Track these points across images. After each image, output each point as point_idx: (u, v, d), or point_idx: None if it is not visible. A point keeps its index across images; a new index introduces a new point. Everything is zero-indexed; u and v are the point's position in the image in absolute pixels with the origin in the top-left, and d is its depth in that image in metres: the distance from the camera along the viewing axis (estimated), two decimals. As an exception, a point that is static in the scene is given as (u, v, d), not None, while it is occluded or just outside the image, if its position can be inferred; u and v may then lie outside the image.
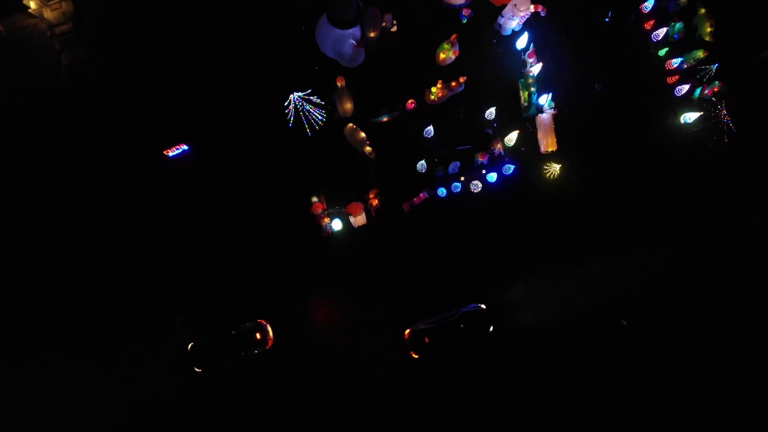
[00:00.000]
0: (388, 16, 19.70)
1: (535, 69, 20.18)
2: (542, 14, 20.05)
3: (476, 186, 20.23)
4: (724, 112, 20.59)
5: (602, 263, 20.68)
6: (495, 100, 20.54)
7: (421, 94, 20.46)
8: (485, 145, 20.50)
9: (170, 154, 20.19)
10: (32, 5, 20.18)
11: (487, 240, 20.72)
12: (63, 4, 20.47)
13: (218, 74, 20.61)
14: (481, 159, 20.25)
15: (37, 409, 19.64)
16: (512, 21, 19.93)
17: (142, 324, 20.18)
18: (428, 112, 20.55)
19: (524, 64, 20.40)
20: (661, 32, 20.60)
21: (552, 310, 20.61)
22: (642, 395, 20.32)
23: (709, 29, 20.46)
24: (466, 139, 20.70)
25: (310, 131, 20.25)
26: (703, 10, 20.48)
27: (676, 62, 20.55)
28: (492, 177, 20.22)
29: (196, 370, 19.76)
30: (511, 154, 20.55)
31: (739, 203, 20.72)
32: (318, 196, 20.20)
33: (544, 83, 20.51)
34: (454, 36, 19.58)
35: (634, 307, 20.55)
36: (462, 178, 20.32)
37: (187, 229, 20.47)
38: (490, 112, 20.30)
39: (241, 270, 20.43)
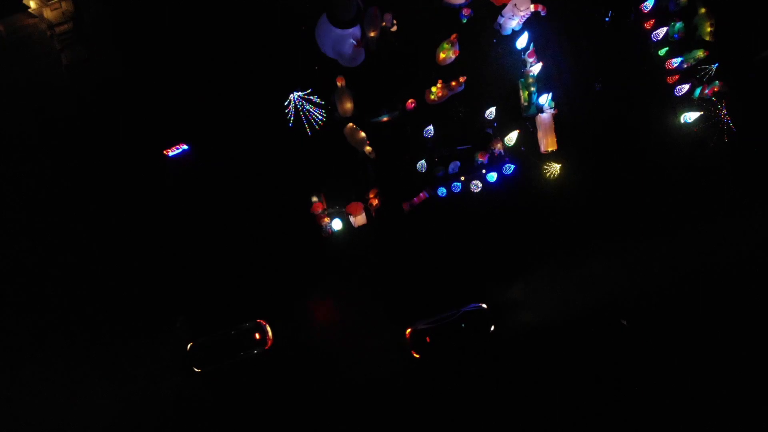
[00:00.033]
0: (388, 16, 19.70)
1: (535, 69, 20.18)
2: (542, 14, 20.04)
3: (476, 186, 20.23)
4: (724, 111, 20.59)
5: (602, 263, 20.68)
6: (495, 99, 20.54)
7: (421, 94, 20.46)
8: (485, 145, 20.50)
9: (170, 154, 20.18)
10: (32, 5, 20.17)
11: (487, 240, 20.71)
12: (63, 3, 20.47)
13: (218, 74, 20.60)
14: (481, 159, 20.25)
15: (37, 409, 19.65)
16: (512, 21, 19.93)
17: (142, 324, 20.18)
18: (428, 111, 20.54)
19: (524, 63, 20.40)
20: (661, 32, 20.60)
21: (552, 309, 20.62)
22: (642, 395, 20.31)
23: (709, 29, 20.46)
24: (466, 138, 20.69)
25: (310, 131, 20.24)
26: (703, 10, 20.48)
27: (676, 62, 20.54)
28: (492, 177, 20.22)
29: (196, 370, 19.75)
30: (511, 153, 20.55)
31: (739, 203, 20.72)
32: (318, 196, 20.20)
33: (544, 83, 20.51)
34: (454, 36, 19.58)
35: (634, 307, 20.55)
36: (462, 178, 20.31)
37: (187, 229, 20.46)
38: (490, 112, 20.30)
39: (240, 270, 20.42)
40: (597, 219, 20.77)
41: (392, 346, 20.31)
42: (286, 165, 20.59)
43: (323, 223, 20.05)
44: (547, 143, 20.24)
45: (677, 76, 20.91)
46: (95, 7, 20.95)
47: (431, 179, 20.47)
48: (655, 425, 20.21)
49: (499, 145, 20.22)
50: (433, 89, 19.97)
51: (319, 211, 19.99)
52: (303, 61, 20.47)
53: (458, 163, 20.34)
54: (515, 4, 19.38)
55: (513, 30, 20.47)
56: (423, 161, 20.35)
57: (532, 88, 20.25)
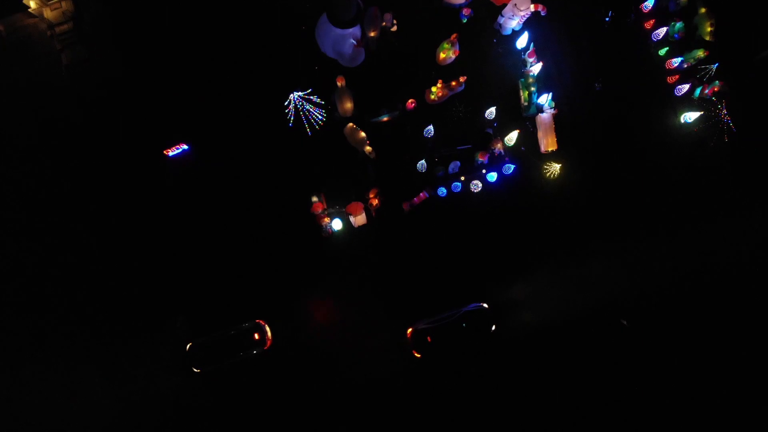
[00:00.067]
0: (388, 16, 19.70)
1: (535, 68, 20.18)
2: (542, 14, 20.05)
3: (476, 186, 20.23)
4: (724, 111, 20.59)
5: (602, 263, 20.67)
6: (495, 99, 20.54)
7: (421, 94, 20.45)
8: (485, 145, 20.50)
9: (170, 154, 20.18)
10: (32, 5, 20.17)
11: (487, 240, 20.71)
12: (63, 3, 20.47)
13: (218, 74, 20.60)
14: (481, 159, 20.25)
15: (37, 409, 19.64)
16: (512, 20, 19.93)
17: (142, 324, 20.17)
18: (428, 111, 20.54)
19: (524, 63, 20.40)
20: (662, 32, 20.60)
21: (552, 309, 20.61)
22: (642, 395, 20.31)
23: (709, 29, 20.46)
24: (466, 138, 20.69)
25: (310, 131, 20.24)
26: (703, 10, 20.49)
27: (676, 62, 20.54)
28: (492, 177, 20.22)
29: (195, 370, 19.74)
30: (511, 153, 20.55)
31: (739, 203, 20.71)
32: (318, 196, 20.19)
33: (544, 83, 20.51)
34: (454, 35, 19.58)
35: (634, 307, 20.54)
36: (462, 178, 20.32)
37: (186, 229, 20.46)
38: (490, 112, 20.30)
39: (240, 270, 20.41)
40: (597, 219, 20.76)
41: (392, 346, 20.30)
42: (286, 165, 20.58)
43: (323, 223, 20.05)
44: (547, 143, 20.24)
45: (677, 76, 20.91)
46: (95, 7, 20.95)
47: (431, 179, 20.47)
48: (655, 425, 20.20)
49: (499, 145, 20.22)
50: (433, 89, 19.97)
51: (319, 211, 19.99)
52: (303, 61, 20.47)
53: (458, 163, 20.34)
54: (515, 4, 19.38)
55: (513, 30, 20.47)
56: (423, 161, 20.35)
57: (532, 88, 20.26)
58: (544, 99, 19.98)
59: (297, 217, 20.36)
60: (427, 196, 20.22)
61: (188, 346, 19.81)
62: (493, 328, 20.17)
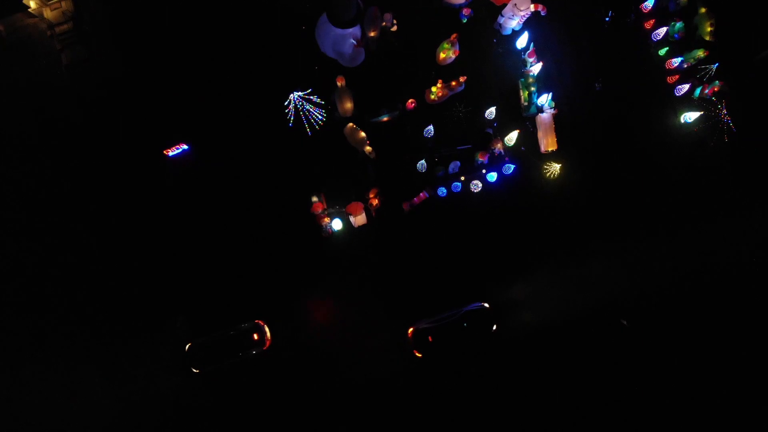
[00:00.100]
0: (388, 16, 19.70)
1: (535, 68, 20.18)
2: (542, 14, 20.05)
3: (476, 186, 20.23)
4: (725, 111, 20.59)
5: (602, 263, 20.67)
6: (495, 99, 20.54)
7: (421, 94, 20.45)
8: (485, 145, 20.50)
9: (170, 153, 20.17)
10: (32, 5, 20.16)
11: (487, 240, 20.71)
12: (63, 3, 20.46)
13: (218, 74, 20.60)
14: (482, 159, 20.26)
15: (37, 409, 19.64)
16: (512, 20, 19.93)
17: (142, 324, 20.17)
18: (428, 111, 20.54)
19: (524, 63, 20.40)
20: (662, 32, 20.60)
21: (552, 309, 20.61)
22: (642, 395, 20.31)
23: (709, 29, 20.46)
24: (466, 138, 20.69)
25: (310, 131, 20.24)
26: (703, 10, 20.49)
27: (676, 62, 20.54)
28: (492, 177, 20.22)
29: (194, 370, 19.73)
30: (511, 153, 20.55)
31: (739, 203, 20.71)
32: (318, 196, 20.19)
33: (544, 83, 20.51)
34: (454, 35, 19.58)
35: (634, 307, 20.54)
36: (462, 178, 20.31)
37: (186, 229, 20.45)
38: (490, 112, 20.30)
39: (240, 270, 20.41)
40: (597, 219, 20.76)
41: (392, 346, 20.31)
42: (286, 165, 20.58)
43: (323, 223, 20.05)
44: (547, 143, 20.24)
45: (677, 76, 20.91)
46: (95, 7, 20.94)
47: (431, 179, 20.46)
48: (655, 425, 20.20)
49: (499, 145, 20.22)
50: (433, 89, 19.97)
51: (319, 211, 19.99)
52: (303, 61, 20.47)
53: (458, 163, 20.34)
54: (515, 4, 19.38)
55: (513, 30, 20.47)
56: (423, 161, 20.35)
57: (532, 88, 20.26)
58: (544, 99, 19.98)
59: (297, 217, 20.35)
60: (427, 196, 20.21)
61: (188, 347, 19.79)
62: (494, 327, 20.16)
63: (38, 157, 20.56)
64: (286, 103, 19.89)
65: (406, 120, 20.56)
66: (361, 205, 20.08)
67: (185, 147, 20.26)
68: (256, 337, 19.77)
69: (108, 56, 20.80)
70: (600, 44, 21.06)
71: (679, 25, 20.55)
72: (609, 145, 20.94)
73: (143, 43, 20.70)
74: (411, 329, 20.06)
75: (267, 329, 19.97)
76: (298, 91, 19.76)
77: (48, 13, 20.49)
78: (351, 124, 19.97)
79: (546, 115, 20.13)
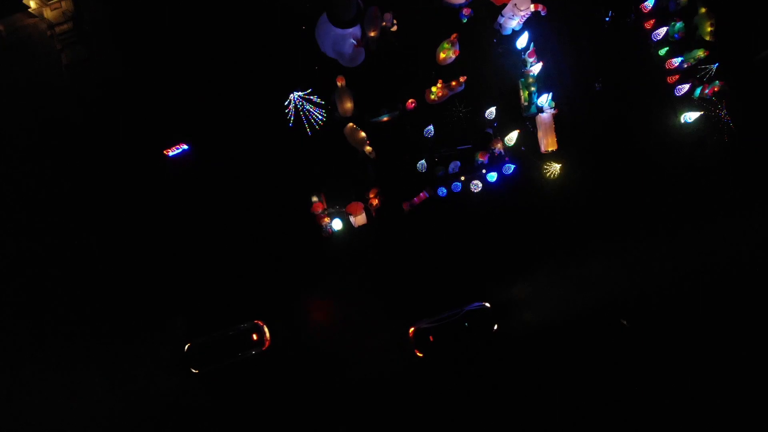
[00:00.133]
0: (388, 16, 19.70)
1: (535, 68, 20.18)
2: (542, 14, 20.04)
3: (476, 186, 20.23)
4: (725, 111, 20.59)
5: (602, 263, 20.67)
6: (495, 99, 20.54)
7: (421, 94, 20.45)
8: (485, 145, 20.50)
9: (170, 154, 20.17)
10: (32, 5, 20.16)
11: (487, 240, 20.71)
12: (63, 3, 20.46)
13: (218, 74, 20.60)
14: (482, 158, 20.26)
15: (37, 409, 19.64)
16: (512, 20, 19.93)
17: (142, 324, 20.16)
18: (428, 111, 20.54)
19: (524, 63, 20.40)
20: (662, 32, 20.60)
21: (552, 309, 20.61)
22: (642, 395, 20.31)
23: (709, 29, 20.46)
24: (466, 138, 20.69)
25: (310, 131, 20.24)
26: (703, 10, 20.49)
27: (676, 62, 20.54)
28: (492, 176, 20.22)
29: (193, 371, 19.72)
30: (512, 153, 20.55)
31: (739, 203, 20.71)
32: (318, 196, 20.19)
33: (544, 83, 20.51)
34: (454, 35, 19.58)
35: (634, 307, 20.54)
36: (462, 178, 20.31)
37: (186, 229, 20.45)
38: (490, 112, 20.30)
39: (240, 270, 20.41)
40: (597, 219, 20.76)
41: (392, 346, 20.30)
42: (286, 165, 20.58)
43: (323, 223, 20.04)
44: (547, 143, 20.24)
45: (677, 76, 20.91)
46: (95, 7, 20.94)
47: (431, 179, 20.46)
48: (655, 425, 20.20)
49: (499, 144, 20.22)
50: (433, 89, 19.97)
51: (319, 211, 19.99)
52: (303, 61, 20.47)
53: (458, 163, 20.34)
54: (515, 4, 19.38)
55: (513, 30, 20.47)
56: (423, 161, 20.35)
57: (532, 88, 20.26)
58: (544, 99, 19.97)
59: (297, 217, 20.35)
60: (427, 196, 20.21)
61: (187, 347, 19.78)
62: (495, 327, 20.15)
63: (38, 157, 20.55)
64: (286, 103, 19.89)
65: (406, 120, 20.56)
66: (361, 205, 20.08)
67: (185, 147, 20.26)
68: (255, 337, 19.76)
69: (108, 56, 20.80)
70: (600, 44, 21.06)
71: (679, 25, 20.55)
72: (609, 145, 20.93)
73: (143, 43, 20.70)
74: (412, 329, 20.05)
75: (266, 329, 19.96)
76: (298, 91, 19.76)
77: (48, 13, 20.49)
78: (351, 124, 19.97)
79: (546, 115, 20.13)
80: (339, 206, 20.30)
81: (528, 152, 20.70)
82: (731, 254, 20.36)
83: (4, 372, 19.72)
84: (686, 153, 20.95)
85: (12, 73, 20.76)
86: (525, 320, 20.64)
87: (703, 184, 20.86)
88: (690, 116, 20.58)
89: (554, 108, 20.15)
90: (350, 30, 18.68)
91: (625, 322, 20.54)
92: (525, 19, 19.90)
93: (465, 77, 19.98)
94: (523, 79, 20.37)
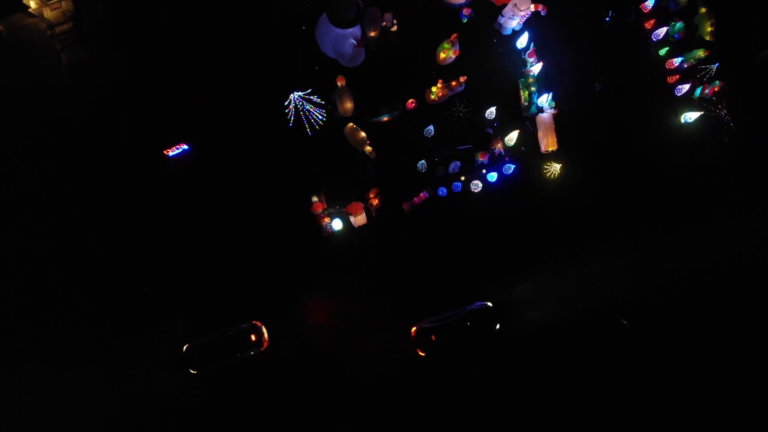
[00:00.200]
0: (388, 16, 19.70)
1: (536, 68, 20.17)
2: (542, 14, 20.04)
3: (476, 185, 20.23)
4: (725, 111, 20.59)
5: (602, 263, 20.67)
6: (495, 99, 20.54)
7: (421, 94, 20.45)
8: (485, 145, 20.51)
9: (170, 153, 20.17)
10: (32, 5, 20.16)
11: (487, 240, 20.70)
12: (63, 3, 20.46)
13: (218, 74, 20.59)
14: (482, 158, 20.26)
15: (37, 409, 19.64)
16: (512, 20, 19.93)
17: (142, 324, 20.16)
18: (428, 111, 20.54)
19: (524, 63, 20.40)
20: (662, 31, 20.59)
21: (552, 309, 20.61)
22: (642, 395, 20.31)
23: (709, 28, 20.46)
24: (466, 138, 20.69)
25: (310, 131, 20.24)
26: (703, 10, 20.49)
27: (676, 62, 20.53)
28: (492, 176, 20.22)
29: (192, 371, 19.71)
30: (512, 153, 20.55)
31: (739, 203, 20.71)
32: (318, 196, 20.19)
33: (544, 83, 20.51)
34: (454, 35, 19.58)
35: (634, 307, 20.54)
36: (462, 178, 20.32)
37: (186, 229, 20.44)
38: (491, 112, 20.29)
39: (241, 270, 20.40)
40: (597, 219, 20.76)
41: (392, 346, 20.30)
42: (286, 165, 20.57)
43: (323, 223, 20.04)
44: (548, 143, 20.24)
45: (678, 76, 20.91)
46: (95, 7, 20.94)
47: (431, 179, 20.46)
48: (655, 425, 20.20)
49: (499, 144, 20.22)
50: (434, 89, 19.97)
51: (319, 211, 19.99)
52: (303, 61, 20.46)
53: (458, 163, 20.34)
54: (515, 4, 19.38)
55: (513, 30, 20.47)
56: (423, 161, 20.35)
57: (533, 88, 20.26)
58: (544, 99, 19.97)
59: (297, 217, 20.34)
60: (427, 196, 20.21)
61: (185, 348, 19.76)
62: (498, 327, 20.14)
63: (38, 157, 20.55)
64: (286, 103, 19.88)
65: (406, 120, 20.56)
66: (361, 205, 20.08)
67: (185, 147, 20.25)
68: (253, 338, 19.75)
69: (108, 56, 20.79)
70: (600, 44, 21.06)
71: (679, 25, 20.55)
72: (609, 144, 20.93)
73: (143, 43, 20.70)
74: (414, 328, 20.04)
75: (264, 330, 19.95)
76: (298, 91, 19.75)
77: (48, 13, 20.49)
78: (351, 124, 19.96)
79: (546, 115, 20.13)
80: (339, 206, 20.30)
81: (528, 152, 20.69)
82: (731, 254, 20.36)
83: (4, 372, 19.72)
84: (686, 153, 20.94)
85: (12, 73, 20.75)
86: (525, 320, 20.64)
87: (703, 184, 20.86)
88: (690, 116, 20.58)
89: (554, 108, 20.14)
90: (350, 30, 18.69)
91: (625, 322, 20.54)
92: (525, 19, 19.90)
93: (465, 77, 19.98)
94: (523, 79, 20.37)
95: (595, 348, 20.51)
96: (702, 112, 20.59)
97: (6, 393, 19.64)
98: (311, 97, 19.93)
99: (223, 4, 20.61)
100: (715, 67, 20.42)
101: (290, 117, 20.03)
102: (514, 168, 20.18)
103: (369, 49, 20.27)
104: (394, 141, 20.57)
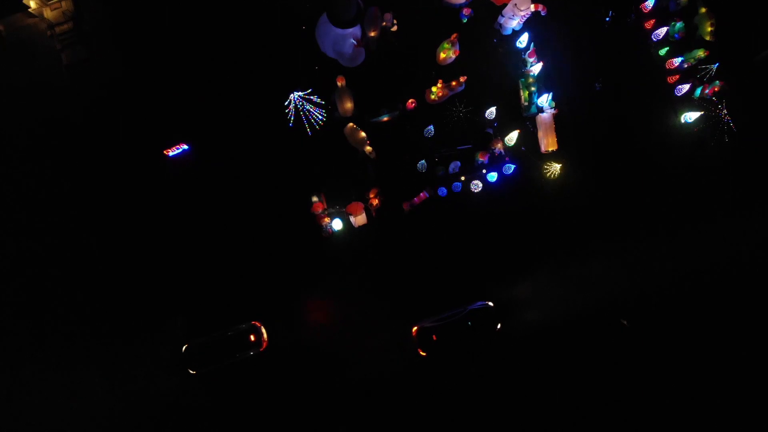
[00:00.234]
0: (388, 16, 19.70)
1: (536, 68, 20.18)
2: (543, 14, 20.03)
3: (476, 185, 20.23)
4: (725, 111, 20.59)
5: (602, 263, 20.67)
6: (495, 99, 20.54)
7: (421, 94, 20.45)
8: (486, 145, 20.51)
9: (170, 153, 20.17)
10: (32, 5, 20.16)
11: (487, 240, 20.70)
12: (63, 3, 20.46)
13: (218, 74, 20.59)
14: (482, 158, 20.26)
15: (37, 409, 19.63)
16: (513, 20, 19.93)
17: (142, 324, 20.16)
18: (428, 111, 20.54)
19: (524, 63, 20.41)
20: (662, 32, 20.60)
21: (552, 309, 20.61)
22: (642, 395, 20.31)
23: (709, 28, 20.47)
24: (466, 138, 20.69)
25: (310, 131, 20.24)
26: (703, 10, 20.50)
27: (676, 62, 20.53)
28: (492, 176, 20.22)
29: (191, 372, 19.71)
30: (512, 153, 20.55)
31: (739, 203, 20.71)
32: (318, 196, 20.19)
33: (544, 83, 20.51)
34: (454, 35, 19.58)
35: (634, 307, 20.54)
36: (462, 178, 20.31)
37: (186, 229, 20.44)
38: (491, 112, 20.29)
39: (241, 270, 20.40)
40: (597, 219, 20.76)
41: (392, 346, 20.30)
42: (286, 165, 20.57)
43: (323, 223, 20.04)
44: (548, 143, 20.24)
45: (678, 76, 20.91)
46: (95, 7, 20.94)
47: (431, 179, 20.46)
48: (655, 425, 20.20)
49: (499, 144, 20.22)
50: (434, 89, 19.97)
51: (319, 211, 19.99)
52: (303, 61, 20.46)
53: (458, 163, 20.34)
54: (515, 4, 19.38)
55: (513, 30, 20.47)
56: (423, 161, 20.35)
57: (533, 88, 20.26)
58: (544, 99, 19.97)
59: (297, 217, 20.34)
60: (428, 196, 20.21)
61: (184, 348, 19.76)
62: (499, 326, 20.14)
63: (38, 157, 20.55)
64: (286, 103, 19.88)
65: (406, 120, 20.56)
66: (361, 205, 20.08)
67: (185, 147, 20.25)
68: (252, 338, 19.74)
69: (108, 56, 20.80)
70: (600, 44, 21.06)
71: (679, 25, 20.55)
72: (609, 144, 20.93)
73: (143, 43, 20.70)
74: (415, 328, 20.04)
75: (264, 330, 19.94)
76: (298, 91, 19.75)
77: (48, 13, 20.49)
78: (351, 124, 19.96)
79: (546, 115, 20.13)
80: (339, 206, 20.30)
81: (528, 152, 20.70)
82: (731, 254, 20.36)
83: (4, 372, 19.72)
84: (686, 153, 20.94)
85: (12, 73, 20.75)
86: (526, 320, 20.63)
87: (703, 184, 20.86)
88: (690, 116, 20.58)
89: (554, 108, 20.14)
90: (350, 30, 18.69)
91: (625, 322, 20.54)
92: (525, 19, 19.90)
93: (465, 77, 19.98)
94: (523, 79, 20.38)
95: (595, 348, 20.51)
96: (702, 112, 20.58)
97: (6, 393, 19.64)
98: (311, 97, 19.93)
99: (223, 4, 20.61)
100: (715, 67, 20.42)
101: (290, 117, 20.03)
102: (514, 168, 20.18)
103: (369, 49, 20.27)
104: (394, 141, 20.57)
